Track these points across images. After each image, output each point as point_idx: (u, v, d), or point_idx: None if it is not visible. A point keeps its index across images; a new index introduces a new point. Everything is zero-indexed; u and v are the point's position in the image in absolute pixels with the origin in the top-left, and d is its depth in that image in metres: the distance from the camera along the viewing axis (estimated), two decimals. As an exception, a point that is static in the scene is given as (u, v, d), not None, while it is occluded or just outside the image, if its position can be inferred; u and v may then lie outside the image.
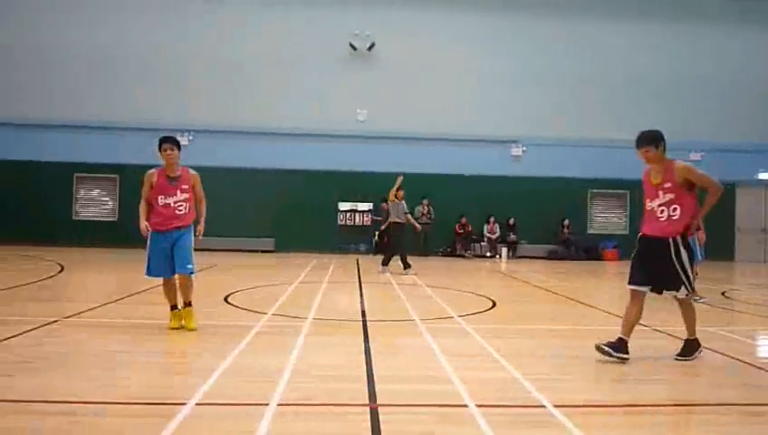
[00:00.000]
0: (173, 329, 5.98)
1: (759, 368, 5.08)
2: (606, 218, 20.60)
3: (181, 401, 3.72)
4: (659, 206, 5.10)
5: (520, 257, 19.26)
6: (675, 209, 5.02)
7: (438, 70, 19.69)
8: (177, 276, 6.13)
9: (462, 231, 19.42)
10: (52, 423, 3.35)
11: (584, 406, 3.90)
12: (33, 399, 3.75)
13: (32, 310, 7.03)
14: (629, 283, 5.21)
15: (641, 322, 7.22)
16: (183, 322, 6.07)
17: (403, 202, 13.11)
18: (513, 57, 20.01)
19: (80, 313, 6.80)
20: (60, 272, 11.40)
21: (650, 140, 5.14)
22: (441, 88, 19.63)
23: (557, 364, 5.04)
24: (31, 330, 5.75)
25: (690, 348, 5.26)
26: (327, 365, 4.77)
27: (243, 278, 11.28)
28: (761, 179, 20.82)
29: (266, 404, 3.71)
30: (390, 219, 13.18)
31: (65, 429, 3.27)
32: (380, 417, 3.57)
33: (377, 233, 18.92)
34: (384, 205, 13.28)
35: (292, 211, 19.19)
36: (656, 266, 5.09)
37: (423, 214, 18.87)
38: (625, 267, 12.34)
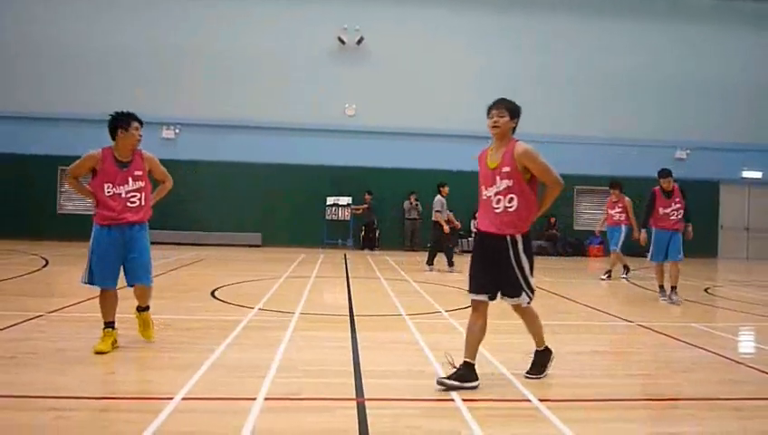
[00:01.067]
0: (99, 353, 4.72)
1: (740, 363, 5.15)
2: (592, 215, 20.73)
3: (168, 395, 3.71)
4: (496, 195, 4.21)
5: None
6: (511, 200, 4.16)
7: (427, 65, 19.69)
8: (134, 287, 5.14)
9: (450, 226, 19.43)
10: (38, 419, 3.33)
11: (570, 400, 3.95)
12: (18, 394, 3.72)
13: (16, 305, 6.97)
14: (469, 291, 4.39)
15: (626, 317, 7.32)
16: (138, 331, 5.17)
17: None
18: (501, 53, 20.04)
19: (65, 307, 6.75)
20: (44, 266, 11.30)
21: (510, 105, 4.51)
22: (430, 83, 19.63)
23: (543, 359, 5.07)
24: (15, 325, 5.70)
25: (541, 361, 4.51)
26: (314, 360, 4.78)
27: (230, 273, 11.25)
28: (744, 178, 21.05)
29: (254, 399, 3.71)
30: (435, 217, 12.99)
31: (51, 424, 3.25)
32: (367, 411, 3.59)
33: (363, 227, 18.96)
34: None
35: (279, 206, 19.14)
36: (494, 269, 4.26)
37: (411, 209, 18.92)
38: (610, 263, 12.38)
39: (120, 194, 5.03)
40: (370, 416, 3.51)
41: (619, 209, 12.25)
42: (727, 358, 5.29)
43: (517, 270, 4.21)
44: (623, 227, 12.08)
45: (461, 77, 19.74)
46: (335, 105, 19.50)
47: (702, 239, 20.03)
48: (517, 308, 4.42)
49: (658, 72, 20.40)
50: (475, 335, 4.33)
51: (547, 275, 12.65)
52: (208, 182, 19.09)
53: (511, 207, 4.16)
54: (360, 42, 19.42)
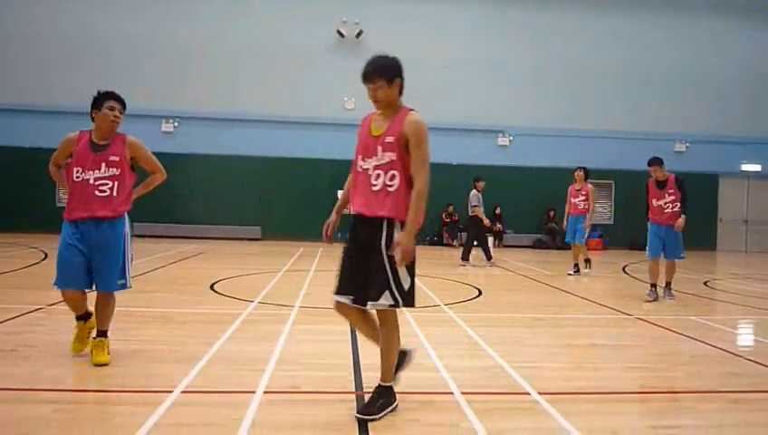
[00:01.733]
0: (77, 352, 4.46)
1: (739, 356, 5.16)
2: (591, 208, 20.73)
3: (167, 388, 3.71)
4: (375, 168, 3.44)
5: (506, 246, 19.36)
6: (393, 177, 3.40)
7: (426, 59, 19.60)
8: (96, 296, 4.46)
9: (448, 220, 19.47)
10: (38, 412, 3.33)
11: (569, 393, 3.95)
12: (18, 387, 3.72)
13: (16, 298, 6.97)
14: (334, 292, 3.49)
15: (625, 310, 7.33)
16: (90, 357, 4.31)
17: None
18: (500, 47, 19.99)
19: (64, 300, 6.73)
20: (44, 259, 11.30)
21: (384, 70, 3.56)
22: (429, 77, 19.55)
23: (542, 352, 5.09)
24: (15, 317, 5.70)
25: (381, 400, 3.43)
26: (313, 353, 4.78)
27: (229, 266, 11.25)
28: (744, 171, 21.05)
29: (253, 392, 3.72)
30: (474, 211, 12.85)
31: (51, 417, 3.26)
32: (367, 404, 3.58)
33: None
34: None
35: (278, 199, 19.13)
36: (364, 265, 3.43)
37: None
38: (609, 256, 12.41)
39: (89, 180, 4.30)
40: (370, 409, 3.50)
41: (583, 198, 11.72)
42: (726, 351, 5.30)
43: (386, 263, 3.36)
44: (586, 217, 11.69)
45: (459, 71, 19.68)
46: (334, 99, 19.45)
47: (701, 232, 20.14)
48: (380, 316, 3.51)
49: (658, 65, 20.34)
50: (376, 342, 3.58)
51: (546, 269, 12.66)
52: (207, 175, 19.07)
53: (391, 186, 3.39)
54: (359, 35, 19.36)
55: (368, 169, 3.48)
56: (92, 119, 4.68)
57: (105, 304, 4.45)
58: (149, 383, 3.88)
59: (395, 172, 3.40)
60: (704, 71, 20.51)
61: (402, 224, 3.42)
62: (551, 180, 20.00)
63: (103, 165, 4.43)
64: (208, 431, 3.16)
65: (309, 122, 19.27)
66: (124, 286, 4.44)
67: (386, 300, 3.34)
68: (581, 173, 11.79)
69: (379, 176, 3.43)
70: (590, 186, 11.71)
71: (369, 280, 3.36)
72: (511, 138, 20.19)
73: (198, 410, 3.44)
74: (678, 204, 8.22)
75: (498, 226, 19.55)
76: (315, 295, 7.94)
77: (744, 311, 7.97)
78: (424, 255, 15.29)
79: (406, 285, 3.44)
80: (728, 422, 3.52)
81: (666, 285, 8.50)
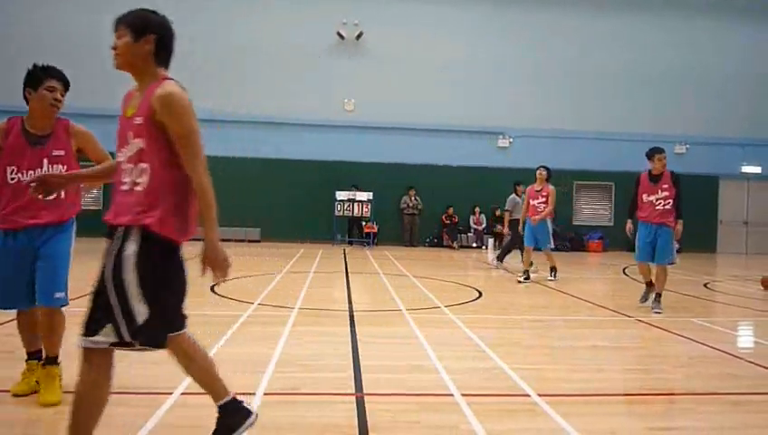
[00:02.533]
0: (16, 395, 3.60)
1: (739, 358, 5.16)
2: (591, 210, 20.75)
3: (167, 390, 3.71)
4: (128, 161, 2.61)
5: (506, 248, 19.34)
6: (142, 173, 2.56)
7: (426, 60, 19.65)
8: (38, 310, 3.63)
9: (448, 222, 19.47)
10: (37, 414, 3.33)
11: (569, 395, 3.95)
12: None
13: (15, 299, 6.94)
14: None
15: (625, 312, 7.33)
16: (37, 387, 3.62)
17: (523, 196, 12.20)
18: (500, 49, 20.01)
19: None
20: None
21: (133, 19, 2.82)
22: (429, 78, 19.59)
23: (542, 354, 5.09)
24: (13, 319, 5.68)
25: (227, 422, 2.93)
26: (313, 355, 4.78)
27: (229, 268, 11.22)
28: (744, 172, 21.05)
29: (253, 394, 3.72)
30: (514, 215, 12.28)
31: (51, 419, 3.26)
32: (366, 406, 3.59)
33: (349, 222, 19.02)
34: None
35: (278, 201, 19.13)
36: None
37: (409, 205, 18.94)
38: (610, 258, 12.38)
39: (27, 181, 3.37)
40: (369, 411, 3.51)
41: (543, 199, 10.64)
42: (726, 352, 5.30)
43: (111, 285, 2.49)
44: (548, 221, 10.75)
45: (459, 72, 19.70)
46: (334, 100, 19.47)
47: (701, 234, 20.15)
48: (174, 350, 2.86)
49: (658, 66, 20.36)
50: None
51: (546, 270, 12.64)
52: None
53: (140, 183, 2.56)
54: (359, 37, 19.37)
55: (121, 163, 2.63)
56: (26, 100, 3.76)
57: (51, 323, 3.58)
58: (149, 385, 3.88)
59: (145, 166, 2.54)
60: (704, 72, 20.53)
61: (145, 232, 2.55)
62: (551, 182, 20.02)
63: (45, 162, 3.63)
64: (208, 433, 3.16)
65: (309, 124, 19.28)
66: (62, 301, 3.60)
67: (106, 337, 2.49)
68: (544, 172, 10.87)
69: (127, 171, 2.58)
70: (551, 187, 10.80)
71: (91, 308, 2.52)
72: (511, 139, 20.19)
73: (198, 412, 3.43)
74: (671, 201, 7.41)
75: (499, 227, 19.54)
76: (315, 297, 7.94)
77: (743, 313, 7.97)
78: (424, 256, 15.29)
79: (140, 318, 2.48)
80: (728, 424, 3.51)
81: (655, 297, 7.53)
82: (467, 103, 19.73)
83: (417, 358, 4.78)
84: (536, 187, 10.79)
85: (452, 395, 3.84)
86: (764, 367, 4.82)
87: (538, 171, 10.95)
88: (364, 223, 18.83)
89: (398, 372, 4.36)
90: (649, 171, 7.78)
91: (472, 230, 19.73)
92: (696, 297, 9.07)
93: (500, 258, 12.67)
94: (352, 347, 5.04)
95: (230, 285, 8.70)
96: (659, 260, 7.51)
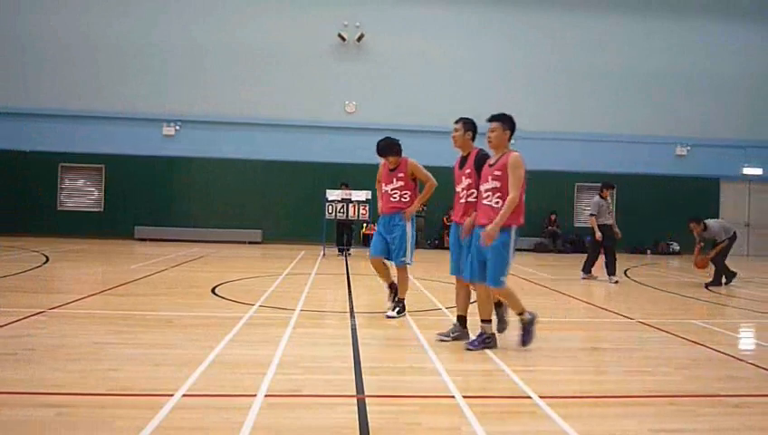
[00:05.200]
0: None
1: (741, 360, 5.15)
2: (592, 212, 20.72)
3: (169, 392, 3.71)
4: None
5: (507, 250, 19.32)
6: None
7: (427, 62, 19.67)
8: None
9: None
10: (39, 415, 3.33)
11: (570, 397, 3.95)
12: (20, 390, 3.73)
13: (17, 301, 6.97)
14: None
15: (626, 314, 7.32)
16: None
17: (608, 199, 11.54)
18: (501, 50, 20.03)
19: (66, 304, 6.75)
20: (45, 263, 11.31)
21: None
22: (430, 80, 19.62)
23: (543, 356, 5.09)
24: (16, 321, 5.70)
25: None
26: (315, 357, 4.78)
27: (230, 269, 11.25)
28: (745, 174, 21.04)
29: (254, 395, 3.72)
30: (600, 220, 11.32)
31: (52, 420, 3.26)
32: (368, 408, 3.59)
33: (364, 225, 18.93)
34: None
35: (279, 203, 19.15)
36: None
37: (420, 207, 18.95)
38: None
39: None
40: (371, 413, 3.51)
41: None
42: (728, 355, 5.29)
43: None
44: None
45: (460, 74, 19.73)
46: (335, 102, 19.49)
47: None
48: None
49: (659, 68, 20.37)
50: None
51: (547, 272, 12.65)
52: (208, 179, 19.10)
53: None
54: (360, 39, 19.39)
55: None
56: None
57: None
58: (151, 387, 3.88)
59: None
60: (705, 73, 20.54)
61: None
62: (551, 184, 20.04)
63: None
64: (209, 435, 3.17)
65: (310, 126, 19.30)
66: None
67: None
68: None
69: None
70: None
71: None
72: (512, 141, 20.16)
73: (199, 414, 3.44)
74: (475, 192, 5.42)
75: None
76: (316, 299, 7.94)
77: (745, 314, 7.96)
78: (426, 258, 15.28)
79: None
80: (729, 426, 3.51)
81: (500, 320, 5.59)
82: (467, 105, 19.57)
83: (419, 360, 4.78)
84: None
85: (453, 397, 3.83)
86: (766, 369, 4.82)
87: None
88: (364, 226, 18.61)
89: (399, 374, 4.36)
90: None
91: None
92: (697, 299, 9.06)
93: (586, 270, 11.47)
94: (353, 349, 5.04)
95: (231, 287, 8.70)
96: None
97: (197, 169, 18.97)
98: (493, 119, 5.45)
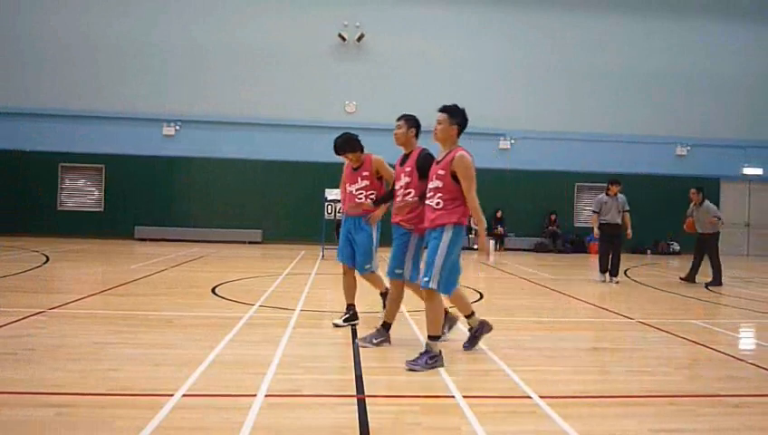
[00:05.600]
0: None
1: (741, 360, 5.15)
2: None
3: (169, 392, 3.71)
4: None
5: (507, 250, 19.35)
6: None
7: (427, 62, 19.67)
8: None
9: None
10: (40, 415, 3.33)
11: (570, 397, 3.95)
12: (20, 390, 3.73)
13: (17, 301, 6.97)
14: None
15: (627, 314, 7.32)
16: None
17: (620, 196, 11.09)
18: (501, 51, 20.03)
19: (66, 304, 6.75)
20: (45, 263, 11.31)
21: None
22: (430, 80, 19.61)
23: (543, 356, 5.09)
24: (16, 321, 5.70)
25: None
26: (315, 356, 4.78)
27: (230, 269, 11.25)
28: (745, 174, 21.04)
29: (254, 395, 3.72)
30: (603, 218, 11.01)
31: (52, 420, 3.26)
32: (368, 408, 3.59)
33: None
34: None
35: (279, 203, 19.15)
36: None
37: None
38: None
39: None
40: (371, 412, 3.51)
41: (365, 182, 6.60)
42: (728, 354, 5.29)
43: None
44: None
45: (460, 74, 19.73)
46: (335, 102, 19.49)
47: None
48: None
49: (659, 68, 20.37)
50: None
51: (547, 272, 12.65)
52: (208, 179, 19.10)
53: None
54: (360, 39, 19.39)
55: None
56: None
57: None
58: (151, 387, 3.88)
59: None
60: (705, 73, 20.54)
61: None
62: (552, 184, 20.06)
63: None
64: (209, 435, 3.17)
65: (310, 126, 19.29)
66: None
67: None
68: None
69: None
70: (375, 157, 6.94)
71: None
72: (512, 141, 20.20)
73: (200, 414, 3.44)
74: (413, 191, 5.17)
75: (500, 229, 19.55)
76: (316, 299, 7.94)
77: (745, 314, 7.96)
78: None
79: None
80: (729, 426, 3.51)
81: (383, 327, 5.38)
82: (468, 105, 19.31)
83: (419, 360, 4.77)
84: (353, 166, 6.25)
85: (453, 397, 3.83)
86: (766, 369, 4.82)
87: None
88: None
89: (399, 374, 4.36)
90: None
91: (473, 232, 19.71)
92: (698, 299, 9.06)
93: (606, 271, 11.06)
94: (354, 349, 5.04)
95: (231, 287, 8.70)
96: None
97: (197, 169, 18.96)
98: (441, 110, 5.01)
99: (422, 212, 4.96)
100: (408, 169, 5.24)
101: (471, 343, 5.21)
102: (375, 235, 6.13)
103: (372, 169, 6.09)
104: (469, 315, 5.24)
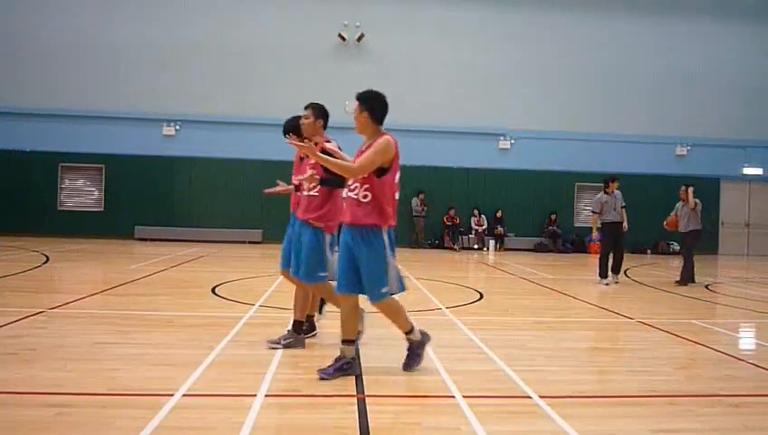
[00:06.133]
0: None
1: (741, 359, 5.15)
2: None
3: (169, 392, 3.72)
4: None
5: (507, 250, 19.35)
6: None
7: (427, 62, 19.67)
8: None
9: (450, 223, 19.47)
10: (39, 415, 3.33)
11: (570, 397, 3.95)
12: (20, 390, 3.73)
13: (17, 301, 6.98)
14: None
15: (627, 314, 7.33)
16: None
17: (617, 193, 10.87)
18: (501, 51, 20.02)
19: (66, 304, 6.76)
20: (45, 263, 11.31)
21: None
22: (430, 80, 19.62)
23: (543, 356, 5.09)
24: (16, 321, 5.71)
25: None
26: (315, 356, 4.78)
27: (231, 269, 11.26)
28: (745, 174, 21.04)
29: (254, 395, 3.72)
30: (606, 217, 10.78)
31: (52, 420, 3.26)
32: (368, 408, 3.59)
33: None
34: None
35: (279, 202, 19.11)
36: None
37: (422, 208, 18.97)
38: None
39: None
40: (371, 412, 3.51)
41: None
42: (727, 354, 5.29)
43: None
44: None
45: (460, 74, 19.72)
46: (336, 102, 19.28)
47: (703, 236, 20.08)
48: None
49: (660, 68, 20.36)
50: None
51: (548, 272, 12.65)
52: (208, 178, 19.09)
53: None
54: (360, 39, 19.39)
55: None
56: None
57: None
58: (151, 387, 3.88)
59: None
60: (705, 74, 20.53)
61: None
62: (552, 184, 20.06)
63: None
64: (210, 434, 3.17)
65: (310, 126, 19.27)
66: None
67: None
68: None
69: None
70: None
71: None
72: (512, 141, 20.19)
73: (200, 414, 3.44)
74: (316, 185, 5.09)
75: (500, 229, 19.55)
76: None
77: (745, 314, 7.96)
78: (425, 258, 15.30)
79: None
80: (729, 426, 3.51)
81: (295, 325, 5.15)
82: (468, 105, 19.75)
83: (419, 360, 4.77)
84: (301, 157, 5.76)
85: (453, 397, 3.84)
86: (765, 369, 4.82)
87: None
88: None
89: (399, 374, 4.36)
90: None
91: (473, 232, 19.73)
92: (698, 299, 9.06)
93: (606, 275, 10.73)
94: (353, 349, 5.03)
95: (231, 287, 8.71)
96: (300, 274, 4.98)
97: (197, 169, 18.96)
98: (357, 98, 4.67)
99: (333, 209, 4.85)
100: (312, 162, 5.02)
101: (410, 361, 4.45)
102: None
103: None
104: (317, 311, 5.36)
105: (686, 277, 10.76)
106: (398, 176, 4.49)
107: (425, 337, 4.52)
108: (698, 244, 11.24)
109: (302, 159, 5.56)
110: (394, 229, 4.32)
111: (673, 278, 11.37)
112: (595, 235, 10.91)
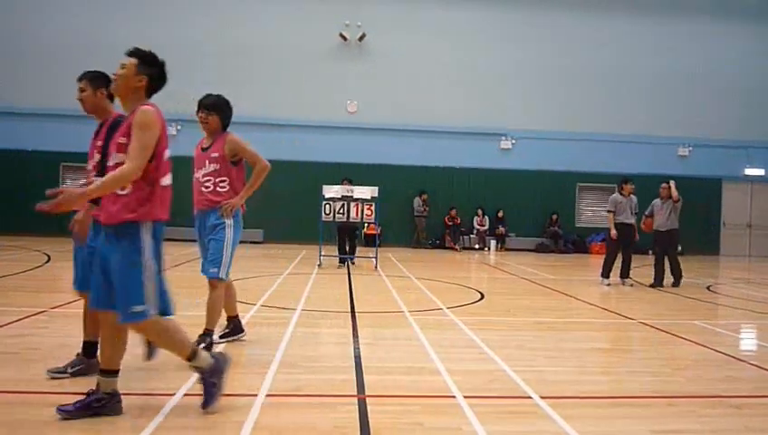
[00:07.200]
0: None
1: (742, 360, 5.15)
2: (594, 212, 20.72)
3: (170, 391, 3.72)
4: None
5: (508, 250, 19.34)
6: None
7: (429, 62, 19.66)
8: None
9: (451, 223, 19.47)
10: (41, 415, 3.33)
11: (571, 397, 3.95)
12: (22, 390, 3.73)
13: (19, 301, 6.98)
14: None
15: (628, 314, 7.32)
16: None
17: (633, 197, 10.97)
18: (503, 51, 20.01)
19: (67, 303, 6.75)
20: (46, 262, 11.32)
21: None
22: (431, 80, 19.61)
23: (544, 356, 5.09)
24: (18, 320, 5.71)
25: None
26: (316, 356, 4.78)
27: (231, 269, 11.23)
28: (747, 175, 21.01)
29: (255, 395, 3.72)
30: (618, 218, 10.75)
31: (52, 419, 3.26)
32: (369, 408, 3.59)
33: (365, 225, 18.87)
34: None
35: (280, 202, 19.13)
36: None
37: (424, 208, 18.99)
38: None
39: None
40: (372, 412, 3.51)
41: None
42: (729, 355, 5.29)
43: None
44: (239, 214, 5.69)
45: (462, 74, 19.72)
46: (337, 102, 19.48)
47: (704, 237, 20.13)
48: None
49: (661, 68, 20.34)
50: None
51: (548, 272, 12.64)
52: (210, 179, 19.09)
53: None
54: (361, 38, 19.39)
55: None
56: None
57: None
58: (152, 387, 3.88)
59: None
60: (707, 74, 20.50)
61: None
62: (553, 184, 20.05)
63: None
64: (211, 434, 3.17)
65: (311, 125, 19.29)
66: None
67: None
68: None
69: None
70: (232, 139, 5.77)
71: None
72: (513, 141, 20.19)
73: (200, 414, 3.44)
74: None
75: (501, 229, 19.54)
76: (317, 298, 7.94)
77: (746, 315, 7.95)
78: (427, 258, 15.29)
79: None
80: (730, 427, 3.51)
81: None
82: (470, 105, 19.74)
83: (420, 360, 4.78)
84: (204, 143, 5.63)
85: (454, 397, 3.84)
86: (767, 370, 4.82)
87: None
88: (366, 226, 18.46)
89: (400, 374, 4.36)
90: None
91: (474, 232, 19.72)
92: (699, 300, 9.05)
93: (608, 276, 10.67)
94: (354, 348, 5.04)
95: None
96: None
97: (199, 168, 18.95)
98: (130, 53, 3.91)
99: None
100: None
101: (207, 398, 3.45)
102: (231, 233, 5.28)
103: (225, 151, 5.21)
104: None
105: (678, 275, 10.70)
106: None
107: (219, 361, 3.51)
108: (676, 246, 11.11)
109: (204, 148, 5.42)
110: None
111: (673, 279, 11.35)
112: (613, 233, 10.72)
